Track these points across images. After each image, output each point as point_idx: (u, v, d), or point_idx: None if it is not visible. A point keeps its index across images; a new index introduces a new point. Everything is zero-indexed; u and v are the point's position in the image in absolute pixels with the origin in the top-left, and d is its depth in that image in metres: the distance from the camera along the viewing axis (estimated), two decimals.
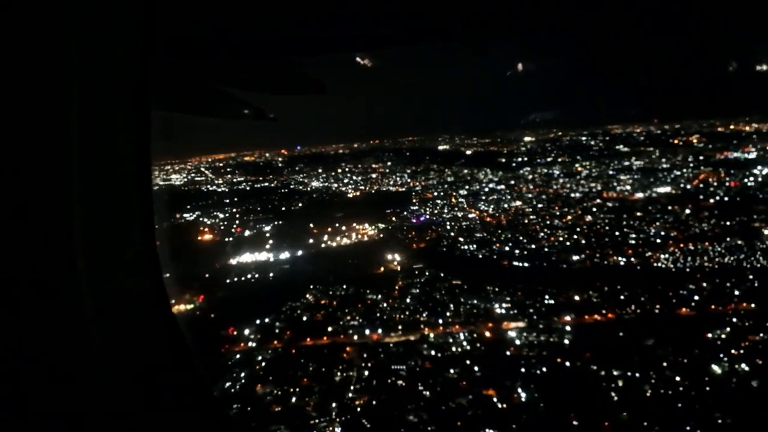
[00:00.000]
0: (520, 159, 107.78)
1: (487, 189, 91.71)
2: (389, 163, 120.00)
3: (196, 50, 3.08)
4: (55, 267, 1.86)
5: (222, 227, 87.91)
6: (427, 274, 61.54)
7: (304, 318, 54.40)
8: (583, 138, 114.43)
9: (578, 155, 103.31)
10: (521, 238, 68.83)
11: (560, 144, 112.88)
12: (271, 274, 68.14)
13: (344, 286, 60.07)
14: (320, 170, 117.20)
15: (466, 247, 69.76)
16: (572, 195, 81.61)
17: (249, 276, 67.83)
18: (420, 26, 3.44)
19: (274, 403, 41.59)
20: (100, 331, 1.95)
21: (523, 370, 41.03)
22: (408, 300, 55.33)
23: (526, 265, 62.07)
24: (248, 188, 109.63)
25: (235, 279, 67.28)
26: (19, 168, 1.74)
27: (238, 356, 48.98)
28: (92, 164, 1.88)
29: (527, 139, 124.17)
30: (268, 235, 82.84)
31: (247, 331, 52.52)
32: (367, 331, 50.37)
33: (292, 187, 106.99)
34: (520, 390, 38.57)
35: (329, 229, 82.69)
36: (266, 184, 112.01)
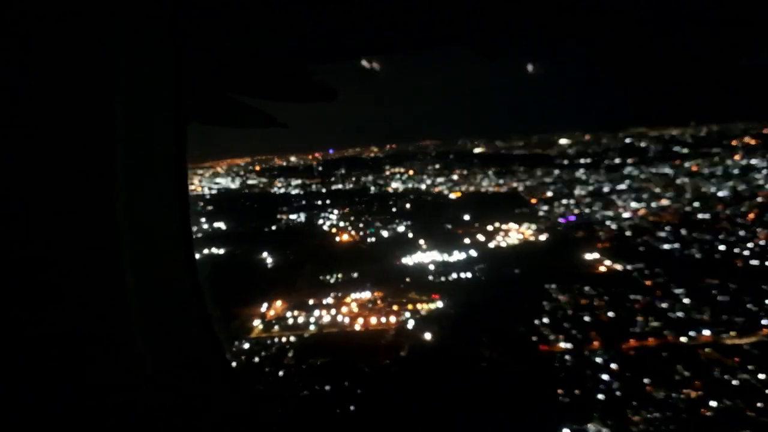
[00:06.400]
0: (583, 160, 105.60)
1: (606, 189, 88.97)
2: (437, 165, 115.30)
3: (208, 58, 2.96)
4: (102, 264, 1.95)
5: (347, 228, 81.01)
6: (662, 272, 57.62)
7: (586, 318, 49.36)
8: (627, 140, 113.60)
9: (644, 155, 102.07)
10: (725, 237, 66.12)
11: (607, 147, 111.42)
12: (480, 275, 62.18)
13: (585, 287, 55.21)
14: (387, 172, 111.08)
15: (667, 246, 66.22)
16: (718, 194, 79.78)
17: (456, 275, 61.73)
18: (429, 30, 3.30)
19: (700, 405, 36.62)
20: (141, 321, 2.05)
21: None
22: (686, 300, 51.28)
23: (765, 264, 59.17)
24: (324, 191, 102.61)
25: (443, 279, 60.96)
26: (70, 174, 1.87)
27: (567, 357, 44.37)
28: (135, 169, 1.99)
29: (562, 141, 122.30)
30: (410, 235, 76.80)
31: (544, 332, 46.88)
32: (692, 333, 45.80)
33: (373, 189, 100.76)
34: None
35: (473, 229, 77.82)
36: (339, 186, 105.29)
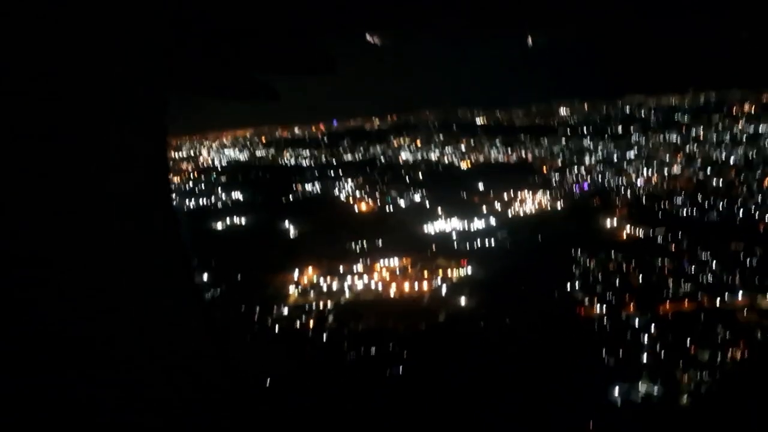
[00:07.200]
0: (586, 129, 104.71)
1: (615, 157, 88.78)
2: (442, 136, 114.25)
3: (206, 30, 2.95)
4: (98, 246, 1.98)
5: (364, 198, 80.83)
6: (685, 237, 58.12)
7: (618, 283, 49.86)
8: (627, 109, 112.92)
9: (647, 123, 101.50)
10: (743, 202, 66.81)
11: (608, 115, 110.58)
12: (504, 242, 62.53)
13: (612, 253, 55.48)
14: (394, 143, 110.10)
15: (686, 212, 66.66)
16: (730, 160, 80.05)
17: (480, 242, 61.97)
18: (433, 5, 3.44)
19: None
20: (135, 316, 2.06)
21: None
22: (715, 264, 51.63)
23: None
24: (334, 161, 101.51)
25: (467, 246, 61.05)
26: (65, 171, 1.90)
27: (605, 320, 45.00)
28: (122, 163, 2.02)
29: (562, 111, 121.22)
30: (428, 204, 76.62)
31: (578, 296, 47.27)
32: (727, 295, 46.37)
33: (382, 160, 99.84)
34: None
35: (489, 198, 77.85)
36: (349, 157, 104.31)
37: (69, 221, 1.84)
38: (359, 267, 55.48)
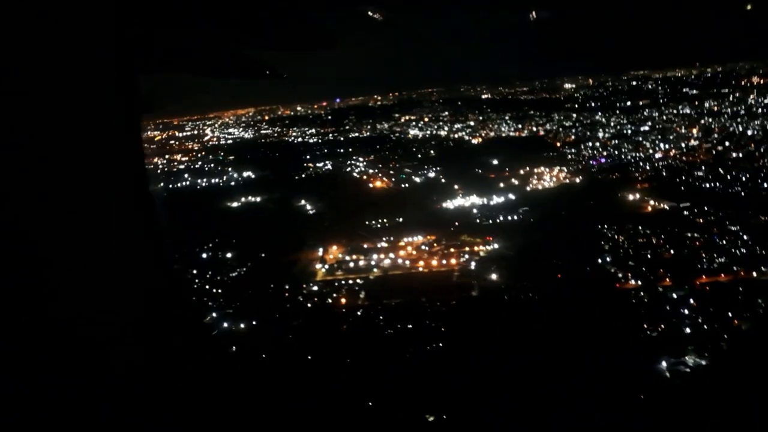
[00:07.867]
0: (594, 104, 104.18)
1: (629, 131, 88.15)
2: (447, 112, 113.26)
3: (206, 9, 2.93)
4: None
5: (378, 175, 79.69)
6: (712, 210, 57.44)
7: (649, 256, 49.17)
8: (633, 83, 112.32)
9: (656, 97, 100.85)
10: (766, 174, 65.76)
11: (613, 89, 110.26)
12: (527, 217, 61.66)
13: (639, 227, 54.82)
14: (402, 120, 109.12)
15: (709, 185, 65.94)
16: (748, 132, 79.21)
17: (503, 218, 60.95)
18: None
19: None
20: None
21: None
22: (746, 236, 50.94)
23: None
24: (342, 139, 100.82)
25: (490, 222, 60.13)
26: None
27: (642, 293, 43.99)
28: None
29: (567, 86, 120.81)
30: (443, 180, 75.71)
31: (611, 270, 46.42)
32: (762, 267, 45.76)
33: (392, 137, 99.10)
34: None
35: (505, 174, 76.96)
36: (355, 134, 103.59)
37: (57, 219, 1.80)
38: (384, 243, 54.45)
